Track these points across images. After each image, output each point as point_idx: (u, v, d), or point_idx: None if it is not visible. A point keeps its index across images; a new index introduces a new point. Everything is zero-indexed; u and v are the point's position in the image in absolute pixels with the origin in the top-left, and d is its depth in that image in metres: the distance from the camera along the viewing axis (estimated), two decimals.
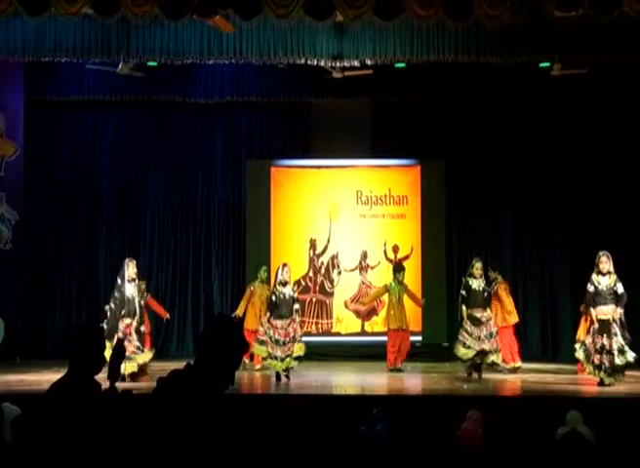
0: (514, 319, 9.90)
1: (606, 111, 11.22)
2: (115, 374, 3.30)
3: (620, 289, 8.43)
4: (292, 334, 8.79)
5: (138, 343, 8.59)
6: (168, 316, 10.06)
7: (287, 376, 8.73)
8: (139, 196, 11.77)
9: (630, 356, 8.25)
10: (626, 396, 7.90)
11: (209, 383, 2.53)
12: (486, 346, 8.94)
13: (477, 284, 9.25)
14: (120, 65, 10.01)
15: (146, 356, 8.73)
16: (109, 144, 11.83)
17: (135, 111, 11.67)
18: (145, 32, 8.70)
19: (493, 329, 9.12)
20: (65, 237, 11.63)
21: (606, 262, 8.45)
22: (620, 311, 8.39)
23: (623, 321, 8.41)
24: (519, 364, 9.63)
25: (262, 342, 8.81)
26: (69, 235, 11.64)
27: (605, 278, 8.43)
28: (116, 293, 8.79)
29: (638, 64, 10.32)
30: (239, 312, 10.02)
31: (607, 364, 8.23)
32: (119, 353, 3.38)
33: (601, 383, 8.32)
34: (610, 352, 8.24)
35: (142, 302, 8.95)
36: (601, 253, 8.55)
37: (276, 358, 8.70)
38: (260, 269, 10.15)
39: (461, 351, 9.02)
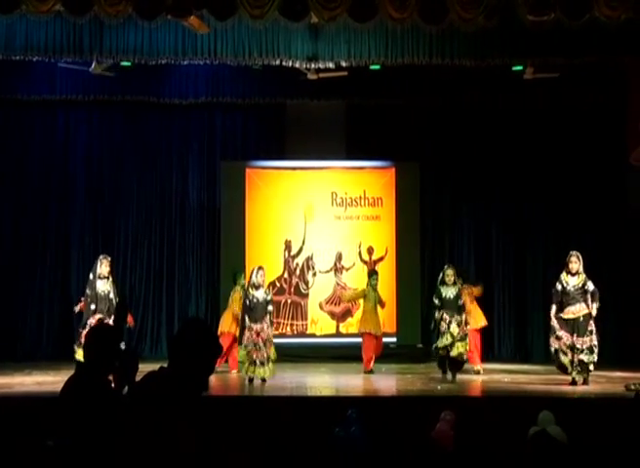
0: (478, 323, 9.92)
1: (577, 114, 11.35)
2: (120, 327, 3.32)
3: (591, 286, 8.52)
4: (265, 338, 8.74)
5: None
6: (132, 324, 9.87)
7: (263, 380, 8.68)
8: (112, 197, 11.65)
9: (595, 356, 8.37)
10: (598, 396, 7.99)
11: (183, 386, 2.53)
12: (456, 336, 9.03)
13: (449, 291, 9.28)
14: (93, 65, 9.90)
15: None
16: (82, 145, 11.70)
17: (108, 111, 11.56)
18: (119, 32, 8.62)
19: (466, 331, 9.18)
20: (37, 238, 11.47)
21: (575, 262, 8.53)
22: (594, 307, 8.45)
23: (592, 321, 8.51)
24: (479, 367, 9.65)
25: (246, 347, 8.75)
26: (41, 236, 11.49)
27: (574, 278, 8.51)
28: (87, 290, 8.74)
29: (608, 69, 10.49)
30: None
31: (576, 361, 8.32)
32: (122, 311, 3.38)
33: (573, 383, 8.40)
34: (579, 350, 8.33)
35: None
36: (572, 253, 8.63)
37: (255, 363, 8.64)
38: (240, 277, 10.07)
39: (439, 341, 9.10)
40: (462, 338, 9.07)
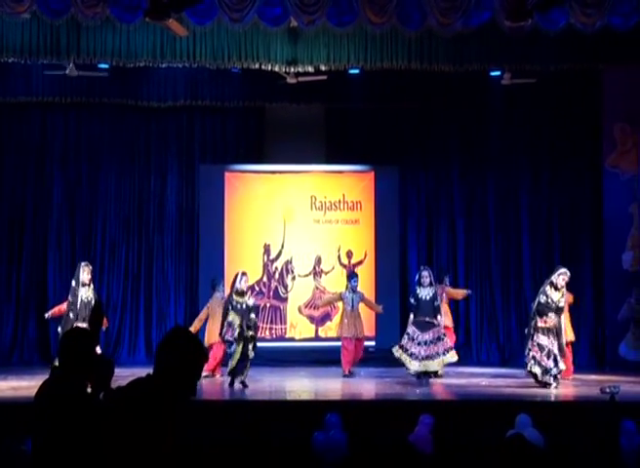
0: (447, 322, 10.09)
1: (554, 119, 11.47)
2: (97, 328, 3.31)
3: (562, 303, 8.69)
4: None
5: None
6: (107, 325, 9.80)
7: (245, 385, 8.64)
8: (89, 200, 11.55)
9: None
10: (574, 399, 8.07)
11: (168, 393, 2.54)
12: (430, 367, 9.00)
13: (425, 292, 9.35)
14: (70, 67, 9.82)
15: None
16: (59, 147, 11.58)
17: (85, 114, 11.46)
18: (96, 34, 8.57)
19: (441, 333, 9.20)
20: (13, 242, 11.35)
21: (564, 280, 8.66)
22: (561, 320, 8.65)
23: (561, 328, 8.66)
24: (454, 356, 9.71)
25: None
26: (17, 240, 11.37)
27: (557, 293, 8.65)
28: (70, 297, 8.70)
29: (584, 75, 10.62)
30: (192, 329, 9.89)
31: (554, 368, 8.41)
32: (97, 315, 3.35)
33: (546, 385, 8.47)
34: (555, 358, 8.43)
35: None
36: (563, 271, 8.73)
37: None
38: (219, 284, 10.03)
39: (406, 359, 9.07)
40: (447, 351, 9.15)
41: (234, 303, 8.73)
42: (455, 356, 9.33)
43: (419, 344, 9.12)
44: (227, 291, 9.28)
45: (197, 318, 9.98)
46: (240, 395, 8.30)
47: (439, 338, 9.18)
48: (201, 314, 9.97)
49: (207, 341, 9.60)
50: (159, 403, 2.52)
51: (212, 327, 9.70)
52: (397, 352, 9.25)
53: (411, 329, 9.28)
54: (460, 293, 10.74)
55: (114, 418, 2.54)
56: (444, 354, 9.15)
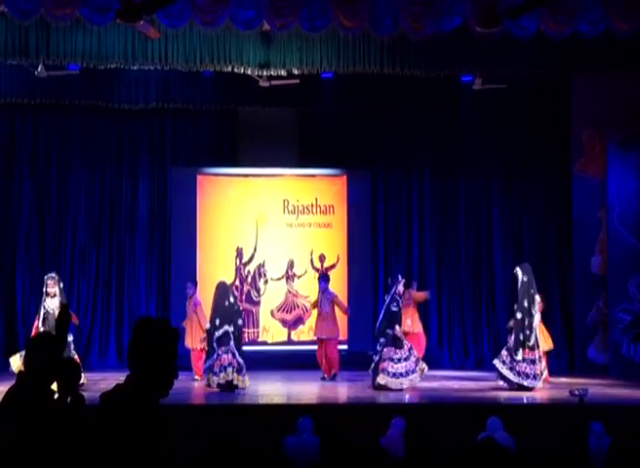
0: (415, 328, 10.10)
1: (524, 124, 11.59)
2: (63, 340, 3.25)
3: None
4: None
5: None
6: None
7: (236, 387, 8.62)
8: (59, 204, 11.41)
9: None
10: (546, 402, 8.15)
11: (148, 391, 2.44)
12: (411, 380, 8.81)
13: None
14: (39, 68, 9.69)
15: None
16: (28, 150, 11.42)
17: (55, 116, 11.33)
18: (67, 35, 8.46)
19: (409, 344, 9.10)
20: None
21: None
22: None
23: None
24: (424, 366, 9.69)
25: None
26: None
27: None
28: (41, 309, 8.75)
29: (554, 81, 10.75)
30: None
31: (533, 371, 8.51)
32: (62, 319, 3.29)
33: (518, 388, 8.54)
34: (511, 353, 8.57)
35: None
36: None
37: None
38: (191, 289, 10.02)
39: (391, 382, 8.77)
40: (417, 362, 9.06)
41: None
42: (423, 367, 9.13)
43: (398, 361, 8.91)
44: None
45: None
46: (212, 399, 8.24)
47: (410, 350, 9.01)
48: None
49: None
50: (145, 402, 2.41)
51: (193, 331, 9.77)
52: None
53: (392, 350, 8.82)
54: (422, 296, 10.70)
55: (104, 431, 2.43)
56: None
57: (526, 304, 8.72)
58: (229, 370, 8.53)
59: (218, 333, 8.67)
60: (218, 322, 8.71)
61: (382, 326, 8.89)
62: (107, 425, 2.41)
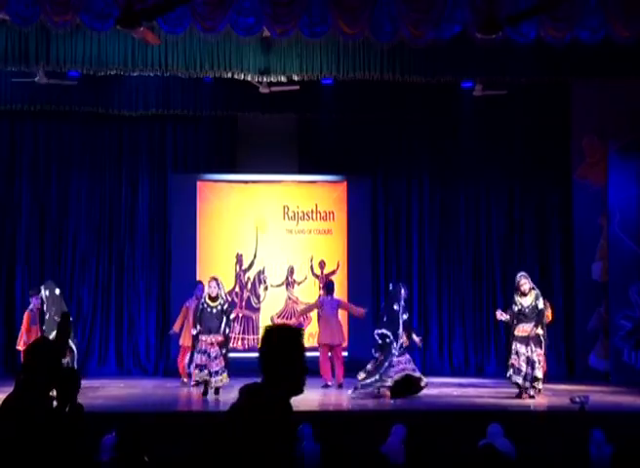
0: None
1: (525, 130, 11.59)
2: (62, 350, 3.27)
3: (540, 304, 8.70)
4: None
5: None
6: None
7: (216, 392, 8.60)
8: (59, 211, 11.41)
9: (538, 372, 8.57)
10: (547, 409, 8.13)
11: (284, 391, 2.54)
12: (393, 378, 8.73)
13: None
14: (39, 75, 9.70)
15: None
16: (28, 157, 11.42)
17: (55, 123, 11.33)
18: (66, 41, 8.46)
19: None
20: None
21: (524, 283, 8.73)
22: (537, 330, 8.65)
23: (542, 338, 8.67)
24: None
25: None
26: None
27: (526, 298, 8.70)
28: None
29: (554, 87, 10.77)
30: (175, 328, 9.98)
31: (530, 374, 8.46)
32: (63, 327, 3.33)
33: (519, 395, 8.52)
34: (532, 364, 8.49)
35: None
36: (518, 276, 8.82)
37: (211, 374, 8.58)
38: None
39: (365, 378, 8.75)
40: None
41: (205, 306, 8.75)
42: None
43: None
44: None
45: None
46: (211, 407, 8.22)
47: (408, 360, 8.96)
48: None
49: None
50: (281, 400, 2.50)
51: (186, 328, 9.84)
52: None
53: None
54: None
55: (235, 439, 2.48)
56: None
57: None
58: (205, 371, 8.55)
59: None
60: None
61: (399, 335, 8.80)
62: (243, 422, 2.48)
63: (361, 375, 8.76)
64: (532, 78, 9.48)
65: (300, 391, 2.56)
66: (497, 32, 7.83)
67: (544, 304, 8.92)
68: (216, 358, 8.63)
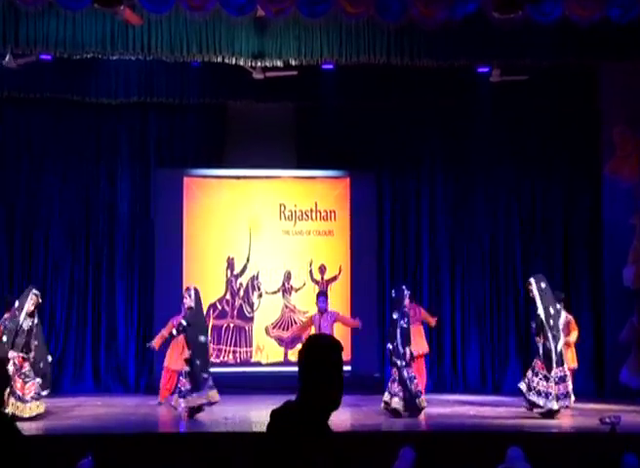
0: (419, 349, 9.97)
1: (548, 121, 11.59)
2: None
3: (537, 310, 8.81)
4: None
5: (34, 384, 8.42)
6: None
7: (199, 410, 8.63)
8: (30, 208, 11.43)
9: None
10: (573, 430, 8.12)
11: (321, 408, 2.69)
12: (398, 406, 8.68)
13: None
14: (7, 57, 9.70)
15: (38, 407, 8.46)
16: None
17: (25, 111, 11.35)
18: (37, 21, 8.45)
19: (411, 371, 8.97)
20: None
21: (529, 290, 8.82)
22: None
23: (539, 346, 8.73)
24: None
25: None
26: None
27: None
28: (7, 322, 8.65)
29: (581, 73, 10.76)
30: (155, 344, 9.83)
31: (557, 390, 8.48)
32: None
33: (547, 415, 8.51)
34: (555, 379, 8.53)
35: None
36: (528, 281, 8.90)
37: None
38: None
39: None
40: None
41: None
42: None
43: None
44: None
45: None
46: (199, 427, 8.23)
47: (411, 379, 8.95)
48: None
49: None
50: (318, 419, 2.65)
51: (173, 349, 9.84)
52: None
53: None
54: (430, 321, 10.55)
55: (275, 448, 2.63)
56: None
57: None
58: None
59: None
60: None
61: (398, 345, 8.84)
62: (279, 442, 2.64)
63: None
64: (555, 62, 9.47)
65: (337, 407, 2.71)
66: (516, 11, 7.85)
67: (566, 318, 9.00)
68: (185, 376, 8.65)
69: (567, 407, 8.63)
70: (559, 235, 11.67)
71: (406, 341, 8.84)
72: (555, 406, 8.48)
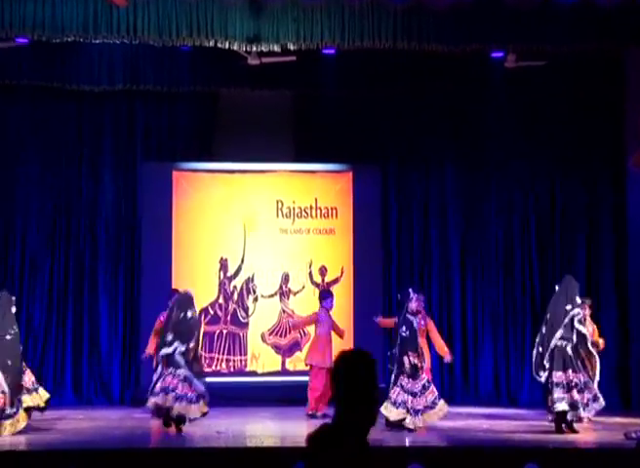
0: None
1: (567, 110, 11.55)
2: None
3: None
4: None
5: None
6: None
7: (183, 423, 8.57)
8: (5, 204, 11.41)
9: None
10: (596, 446, 8.07)
11: (360, 427, 2.75)
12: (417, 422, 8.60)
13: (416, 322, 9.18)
14: None
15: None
16: None
17: (0, 98, 11.31)
18: (14, 2, 8.43)
19: (424, 379, 8.90)
20: None
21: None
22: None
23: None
24: None
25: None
26: None
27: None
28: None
29: (603, 58, 10.71)
30: (149, 350, 9.81)
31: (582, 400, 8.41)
32: None
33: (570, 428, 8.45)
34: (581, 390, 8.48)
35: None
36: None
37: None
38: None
39: (390, 411, 8.63)
40: (430, 406, 8.76)
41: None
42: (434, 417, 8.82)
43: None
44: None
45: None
46: (190, 442, 8.18)
47: (424, 387, 8.86)
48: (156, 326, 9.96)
49: None
50: (359, 438, 2.72)
51: None
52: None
53: (405, 378, 8.73)
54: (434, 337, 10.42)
55: None
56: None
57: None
58: (171, 395, 8.44)
59: (166, 351, 8.61)
60: (170, 337, 8.67)
61: (396, 353, 8.81)
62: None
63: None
64: (576, 46, 9.43)
65: (375, 423, 2.80)
66: None
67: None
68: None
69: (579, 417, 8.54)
70: (580, 234, 11.62)
71: (404, 350, 8.76)
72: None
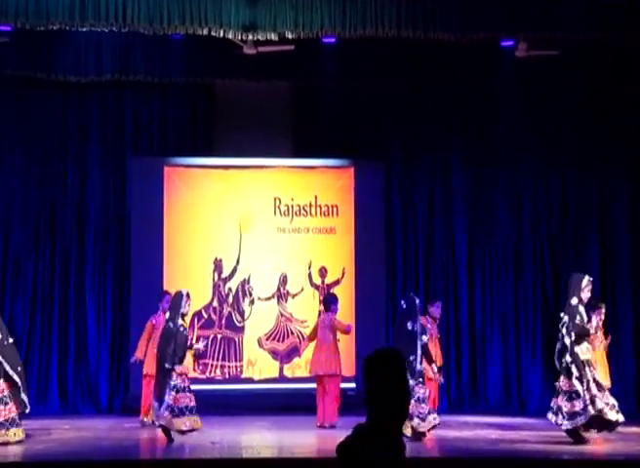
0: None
1: (583, 103, 11.56)
2: None
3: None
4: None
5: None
6: None
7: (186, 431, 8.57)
8: None
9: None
10: (610, 457, 8.04)
11: (392, 426, 2.88)
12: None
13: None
14: None
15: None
16: None
17: None
18: None
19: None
20: None
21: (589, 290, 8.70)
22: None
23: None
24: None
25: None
26: None
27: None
28: None
29: (621, 47, 10.68)
30: (139, 354, 9.86)
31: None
32: None
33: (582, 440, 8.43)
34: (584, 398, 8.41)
35: None
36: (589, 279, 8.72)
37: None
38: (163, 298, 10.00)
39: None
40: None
41: (182, 330, 8.64)
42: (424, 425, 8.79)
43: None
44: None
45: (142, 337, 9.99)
46: (183, 452, 8.17)
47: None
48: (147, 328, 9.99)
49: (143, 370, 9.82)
50: (393, 438, 2.85)
51: (150, 352, 9.74)
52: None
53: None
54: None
55: None
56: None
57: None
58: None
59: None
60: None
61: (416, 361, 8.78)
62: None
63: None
64: (591, 35, 9.39)
65: (405, 419, 3.00)
66: None
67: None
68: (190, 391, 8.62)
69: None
70: (594, 234, 11.62)
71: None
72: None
